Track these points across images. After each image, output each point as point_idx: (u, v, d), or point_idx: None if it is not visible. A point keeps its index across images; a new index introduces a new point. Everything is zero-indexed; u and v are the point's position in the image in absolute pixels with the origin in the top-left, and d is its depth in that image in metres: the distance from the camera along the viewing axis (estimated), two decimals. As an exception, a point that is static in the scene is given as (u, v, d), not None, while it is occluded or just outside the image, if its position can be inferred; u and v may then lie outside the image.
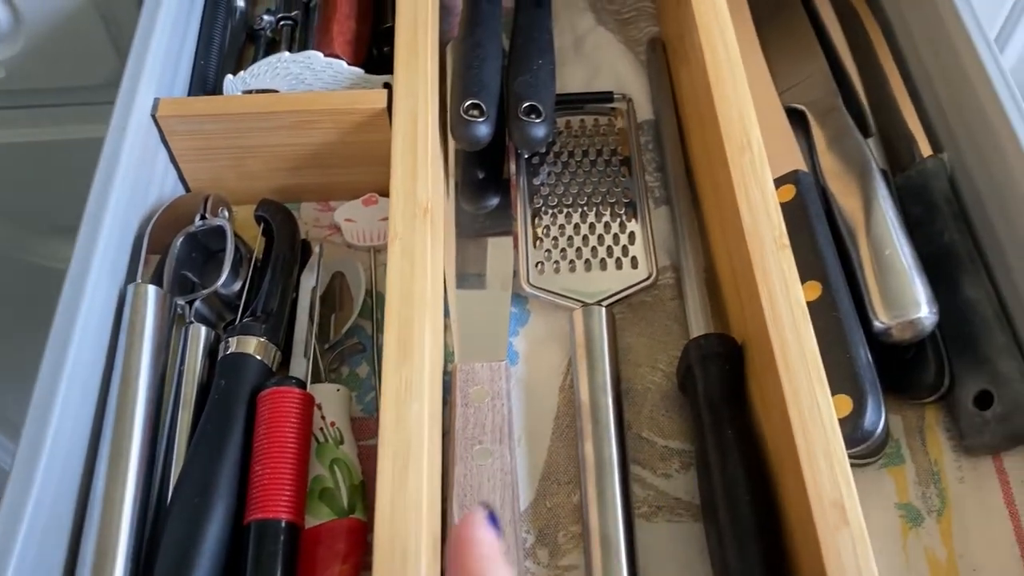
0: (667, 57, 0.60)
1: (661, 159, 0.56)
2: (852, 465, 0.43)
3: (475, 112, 0.52)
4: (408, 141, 0.46)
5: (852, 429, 0.40)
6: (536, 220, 0.52)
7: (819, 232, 0.47)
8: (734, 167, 0.45)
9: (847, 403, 0.41)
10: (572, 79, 0.61)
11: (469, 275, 0.52)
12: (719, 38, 0.50)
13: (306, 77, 0.53)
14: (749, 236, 0.43)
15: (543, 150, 0.55)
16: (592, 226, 0.52)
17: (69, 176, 0.58)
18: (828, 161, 0.51)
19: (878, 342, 0.44)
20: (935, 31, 0.53)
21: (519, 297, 0.51)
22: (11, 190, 0.75)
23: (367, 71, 0.54)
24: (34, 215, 0.76)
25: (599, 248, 0.51)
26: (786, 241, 0.42)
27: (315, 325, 0.47)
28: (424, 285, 0.41)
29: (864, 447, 0.41)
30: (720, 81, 0.48)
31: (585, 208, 0.53)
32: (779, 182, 0.50)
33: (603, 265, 0.50)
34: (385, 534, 0.35)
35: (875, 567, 0.34)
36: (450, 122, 0.52)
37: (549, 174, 0.55)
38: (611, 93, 0.58)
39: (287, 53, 0.53)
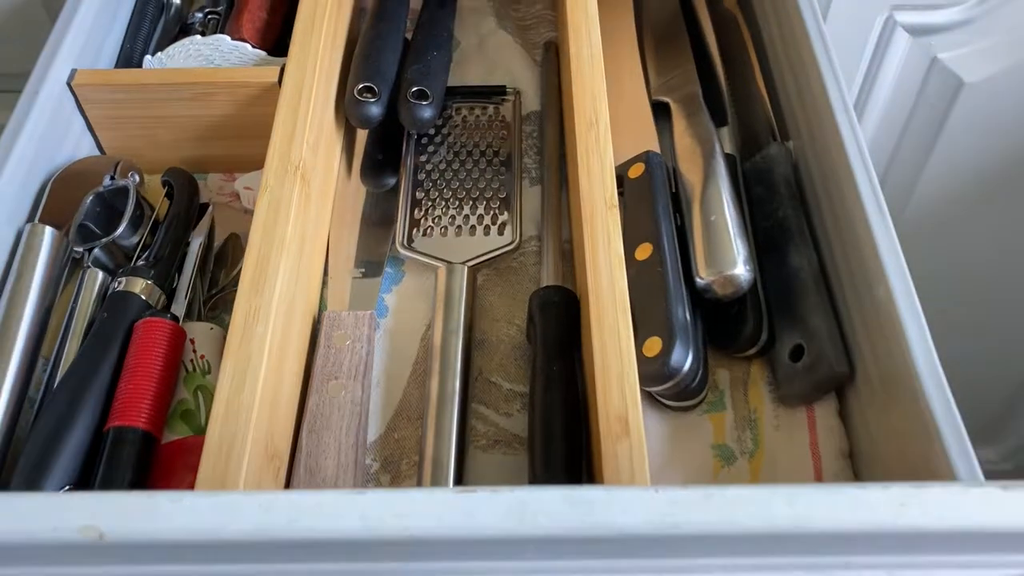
0: (559, 59, 0.65)
1: (541, 145, 0.61)
2: (675, 408, 0.47)
3: (367, 94, 0.57)
4: (290, 107, 0.51)
5: (661, 365, 0.44)
6: (417, 191, 0.57)
7: (659, 203, 0.51)
8: (580, 140, 0.50)
9: (658, 344, 0.45)
10: (472, 75, 0.66)
11: (364, 252, 0.57)
12: (585, 33, 0.55)
13: (215, 58, 0.58)
14: (584, 197, 0.47)
15: (432, 132, 0.60)
16: (468, 198, 0.57)
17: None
18: (682, 146, 0.56)
19: (705, 300, 0.49)
20: (789, 39, 0.58)
21: (396, 259, 0.55)
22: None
23: (275, 55, 0.60)
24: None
25: (471, 216, 0.56)
26: (615, 203, 0.47)
27: (196, 271, 0.51)
28: (285, 232, 0.46)
29: (673, 383, 0.45)
30: (579, 66, 0.53)
31: (464, 182, 0.58)
32: (633, 160, 0.54)
33: (472, 231, 0.55)
34: (215, 433, 0.39)
35: (648, 473, 0.38)
36: (345, 102, 0.57)
37: (436, 152, 0.60)
38: (504, 87, 0.64)
39: (199, 36, 0.58)
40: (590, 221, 0.47)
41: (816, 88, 0.53)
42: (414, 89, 0.57)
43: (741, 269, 0.47)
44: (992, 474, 0.44)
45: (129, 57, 0.62)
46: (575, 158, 0.53)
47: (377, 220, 0.58)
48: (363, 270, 0.55)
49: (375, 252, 0.56)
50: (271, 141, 0.50)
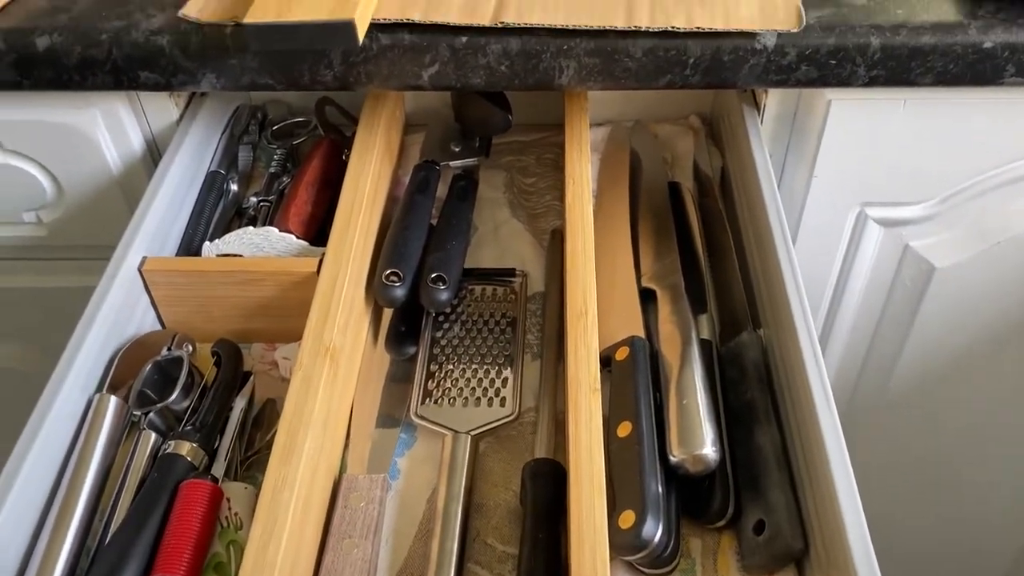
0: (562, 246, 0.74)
1: (542, 323, 0.69)
2: (649, 575, 0.53)
3: (393, 278, 0.66)
4: (325, 297, 0.60)
5: (633, 537, 0.50)
6: (432, 364, 0.65)
7: (640, 385, 0.58)
8: (570, 328, 0.58)
9: (632, 516, 0.51)
10: (487, 257, 0.75)
11: (385, 408, 0.65)
12: (580, 232, 0.64)
13: (264, 246, 0.68)
14: (570, 381, 0.55)
15: (448, 310, 0.69)
16: (475, 371, 0.64)
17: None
18: (664, 331, 0.63)
19: (677, 475, 0.55)
20: (762, 244, 0.66)
21: (410, 425, 0.63)
22: (48, 323, 0.91)
23: (316, 244, 0.69)
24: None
25: (476, 389, 0.63)
26: (597, 387, 0.54)
27: (235, 436, 0.59)
28: (313, 407, 0.54)
29: (644, 554, 0.50)
30: (574, 263, 0.62)
31: (473, 358, 0.65)
32: (619, 344, 0.62)
33: (477, 402, 0.62)
34: (244, 587, 0.46)
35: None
36: (374, 285, 0.66)
37: (450, 328, 0.68)
38: (513, 269, 0.73)
39: (252, 227, 0.68)
40: (574, 403, 0.54)
41: (777, 286, 0.61)
42: (433, 275, 0.66)
43: (709, 450, 0.54)
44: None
45: (191, 240, 0.72)
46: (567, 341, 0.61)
47: (399, 378, 0.66)
48: (380, 431, 0.62)
49: (395, 409, 0.64)
50: (307, 324, 0.58)
